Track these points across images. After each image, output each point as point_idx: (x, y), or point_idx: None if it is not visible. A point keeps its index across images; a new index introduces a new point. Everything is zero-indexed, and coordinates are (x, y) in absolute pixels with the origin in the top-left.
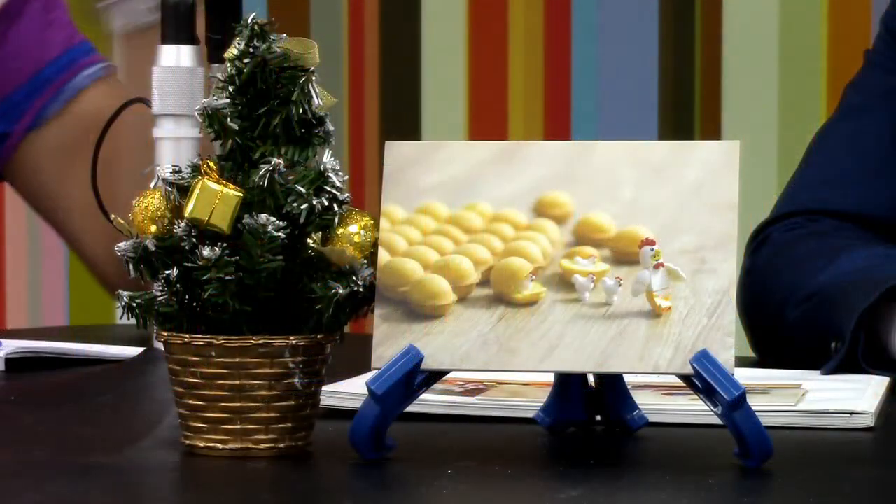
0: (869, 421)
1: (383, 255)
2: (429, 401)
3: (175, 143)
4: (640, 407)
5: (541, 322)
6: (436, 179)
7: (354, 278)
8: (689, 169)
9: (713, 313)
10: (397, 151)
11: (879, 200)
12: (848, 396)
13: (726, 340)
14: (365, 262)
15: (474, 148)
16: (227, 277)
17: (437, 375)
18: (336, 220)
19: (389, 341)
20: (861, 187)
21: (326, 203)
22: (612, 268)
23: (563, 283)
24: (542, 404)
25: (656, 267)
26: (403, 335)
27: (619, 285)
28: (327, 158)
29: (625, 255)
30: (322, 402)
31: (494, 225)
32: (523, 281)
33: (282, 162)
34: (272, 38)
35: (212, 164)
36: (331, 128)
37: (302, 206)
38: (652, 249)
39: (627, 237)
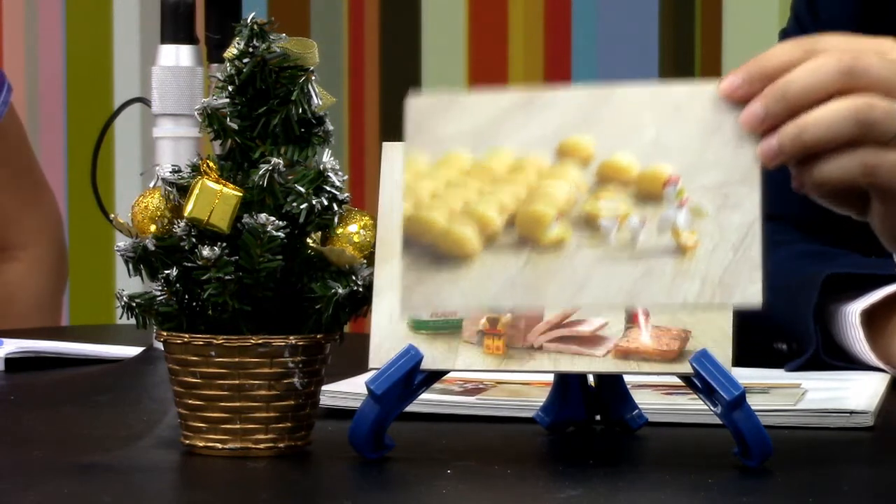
0: (868, 420)
1: (408, 207)
2: (429, 401)
3: (174, 142)
4: (639, 407)
5: (567, 264)
6: (458, 129)
7: (354, 278)
8: (709, 107)
9: (739, 247)
10: (419, 104)
11: (798, 201)
12: (847, 396)
13: (753, 274)
14: (364, 261)
15: (496, 97)
16: (227, 277)
17: (437, 375)
18: (335, 219)
19: (420, 287)
20: (772, 188)
21: (326, 203)
22: (637, 207)
23: (589, 224)
24: (541, 404)
25: (680, 204)
26: (433, 280)
27: (644, 224)
28: (327, 158)
29: (649, 194)
30: (322, 402)
31: (518, 170)
32: (548, 225)
33: (281, 161)
34: (272, 37)
35: (211, 164)
36: (330, 127)
37: (301, 206)
38: (675, 187)
39: (650, 176)
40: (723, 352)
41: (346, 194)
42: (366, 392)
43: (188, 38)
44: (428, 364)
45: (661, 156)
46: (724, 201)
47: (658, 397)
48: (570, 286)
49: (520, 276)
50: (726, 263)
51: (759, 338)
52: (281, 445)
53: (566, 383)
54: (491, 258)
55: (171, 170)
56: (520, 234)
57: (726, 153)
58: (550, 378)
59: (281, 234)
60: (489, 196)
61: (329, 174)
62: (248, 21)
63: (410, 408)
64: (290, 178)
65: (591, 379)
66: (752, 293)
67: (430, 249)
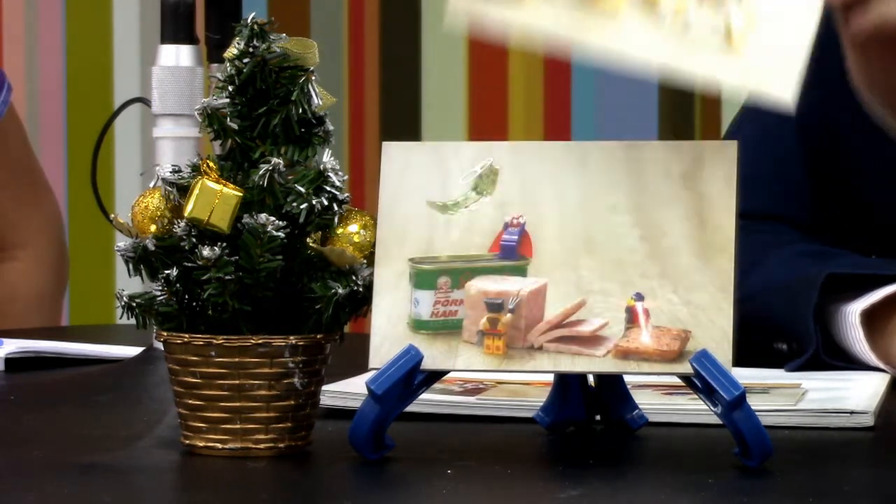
0: (869, 420)
1: None
2: (429, 401)
3: (175, 142)
4: (639, 406)
5: (617, 25)
6: None
7: (354, 278)
8: None
9: (785, 57)
10: None
11: (798, 201)
12: (848, 396)
13: (793, 79)
14: (364, 261)
15: None
16: (227, 277)
17: (437, 375)
18: (335, 219)
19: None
20: (772, 189)
21: (326, 203)
22: (697, 2)
23: (648, 5)
24: (541, 404)
25: (740, 6)
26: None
27: (702, 11)
28: (327, 158)
29: None
30: (322, 402)
31: None
32: None
33: (281, 161)
34: (272, 37)
35: (211, 164)
36: (330, 127)
37: (301, 206)
38: None
39: None
40: (723, 352)
41: (346, 194)
42: (366, 392)
43: (188, 38)
44: (428, 364)
45: None
46: (781, 18)
47: (658, 397)
48: (613, 41)
49: (565, 24)
50: (769, 65)
51: (759, 338)
52: (281, 445)
53: (566, 383)
54: (543, 8)
55: (171, 170)
56: None
57: None
58: (550, 378)
59: (281, 234)
60: None
61: (329, 174)
62: (248, 21)
63: (410, 408)
64: (290, 178)
65: (591, 379)
66: (787, 94)
67: None
